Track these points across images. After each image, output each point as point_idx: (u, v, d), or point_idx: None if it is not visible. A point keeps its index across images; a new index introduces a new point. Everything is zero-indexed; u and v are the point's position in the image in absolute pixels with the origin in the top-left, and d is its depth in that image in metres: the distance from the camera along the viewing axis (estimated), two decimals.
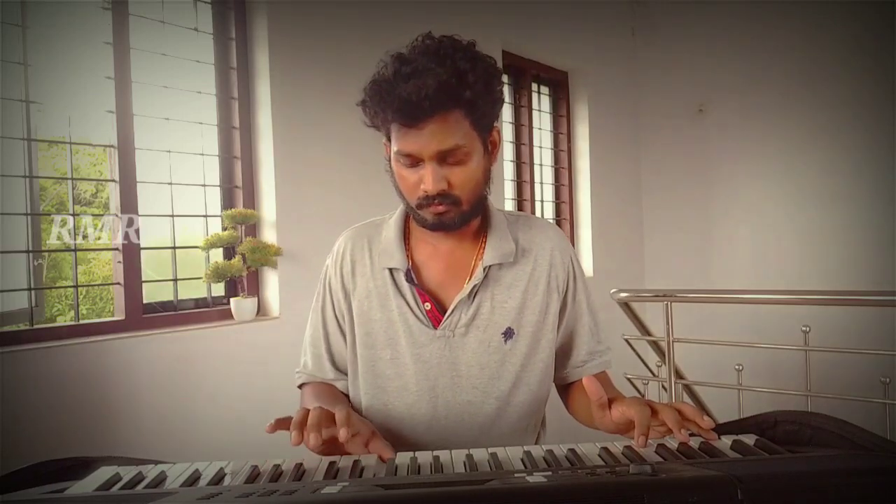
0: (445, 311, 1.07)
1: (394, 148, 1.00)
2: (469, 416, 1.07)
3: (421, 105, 0.92)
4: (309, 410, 0.85)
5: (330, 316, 1.15)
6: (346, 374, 1.15)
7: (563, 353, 1.17)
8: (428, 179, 0.97)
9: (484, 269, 1.07)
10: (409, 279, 1.08)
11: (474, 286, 1.07)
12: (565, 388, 1.20)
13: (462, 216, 1.02)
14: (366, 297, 1.11)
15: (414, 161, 0.98)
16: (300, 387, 1.19)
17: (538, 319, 1.09)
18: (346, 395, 1.16)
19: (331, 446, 0.88)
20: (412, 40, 0.99)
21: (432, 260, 1.10)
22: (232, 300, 2.35)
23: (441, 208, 1.00)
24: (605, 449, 0.82)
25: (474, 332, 1.07)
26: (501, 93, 1.03)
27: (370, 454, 0.88)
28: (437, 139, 0.95)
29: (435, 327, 1.07)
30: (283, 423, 0.84)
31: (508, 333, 1.08)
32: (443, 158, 0.97)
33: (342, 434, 0.83)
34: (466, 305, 1.07)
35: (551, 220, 4.21)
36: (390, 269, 1.10)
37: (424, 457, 0.83)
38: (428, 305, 1.07)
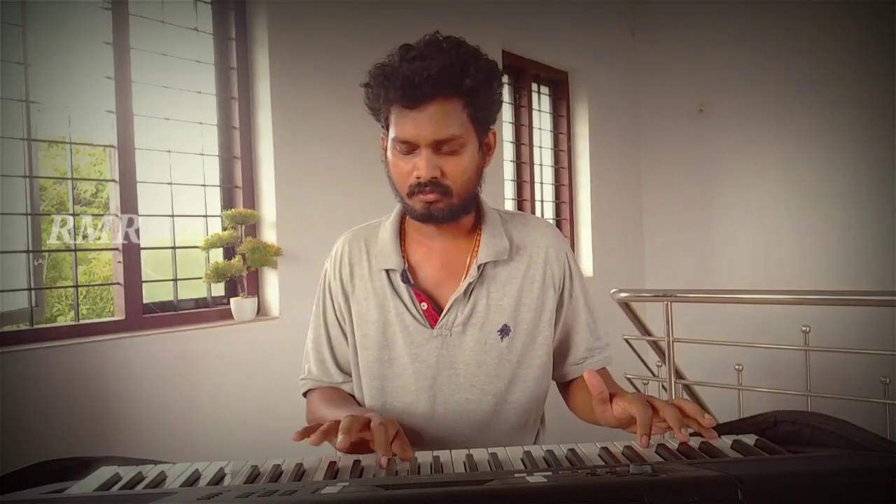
0: (442, 311, 1.07)
1: (391, 135, 1.02)
2: (467, 414, 1.07)
3: (423, 86, 0.95)
4: (340, 421, 0.84)
5: (331, 318, 1.15)
6: (350, 376, 1.15)
7: (562, 351, 1.17)
8: (422, 165, 0.99)
9: (478, 267, 1.07)
10: (405, 280, 1.08)
11: (469, 284, 1.07)
12: (566, 386, 1.20)
13: (451, 209, 1.03)
14: (364, 299, 1.11)
15: (410, 148, 1.00)
16: (305, 394, 1.18)
17: (534, 317, 1.10)
18: (353, 397, 1.15)
19: (357, 446, 0.86)
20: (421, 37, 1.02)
21: (428, 260, 1.11)
22: (232, 300, 2.35)
23: (431, 196, 1.00)
24: (606, 449, 0.82)
25: (471, 331, 1.07)
26: (500, 95, 1.05)
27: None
28: (435, 126, 0.97)
29: (432, 326, 1.07)
30: (311, 430, 0.84)
31: (505, 331, 1.08)
32: (438, 147, 0.99)
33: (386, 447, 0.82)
34: (462, 304, 1.07)
35: (551, 220, 4.21)
36: (387, 271, 1.10)
37: (424, 457, 0.83)
38: (424, 305, 1.08)
